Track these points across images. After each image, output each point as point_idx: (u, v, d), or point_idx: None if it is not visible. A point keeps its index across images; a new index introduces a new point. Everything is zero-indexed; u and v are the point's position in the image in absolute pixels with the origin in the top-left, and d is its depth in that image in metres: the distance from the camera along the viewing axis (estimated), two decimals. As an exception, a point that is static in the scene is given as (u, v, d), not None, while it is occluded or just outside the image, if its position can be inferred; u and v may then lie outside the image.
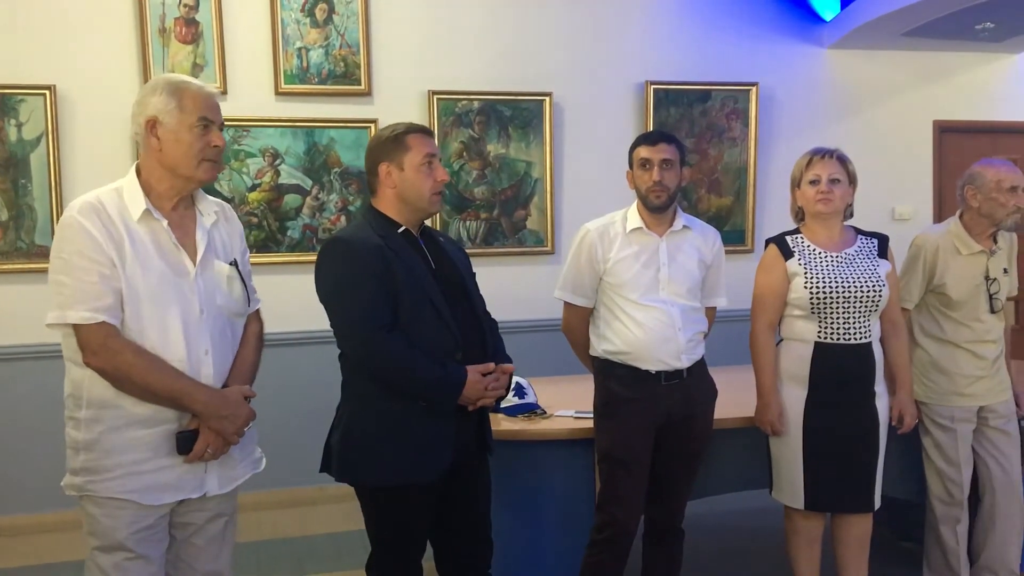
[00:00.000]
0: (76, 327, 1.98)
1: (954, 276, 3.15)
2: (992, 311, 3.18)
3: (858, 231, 3.03)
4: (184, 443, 2.06)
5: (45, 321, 2.02)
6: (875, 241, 3.02)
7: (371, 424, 2.43)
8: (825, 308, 2.87)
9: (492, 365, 2.48)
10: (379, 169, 2.50)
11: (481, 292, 2.68)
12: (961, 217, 3.23)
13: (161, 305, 2.03)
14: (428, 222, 2.65)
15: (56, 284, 2.00)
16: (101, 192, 2.07)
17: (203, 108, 2.09)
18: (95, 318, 1.96)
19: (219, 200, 2.29)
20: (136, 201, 2.06)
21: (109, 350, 1.97)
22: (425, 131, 2.56)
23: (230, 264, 2.20)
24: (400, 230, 2.49)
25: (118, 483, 2.02)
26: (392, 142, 2.50)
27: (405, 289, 2.38)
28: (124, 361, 1.97)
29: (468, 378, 2.41)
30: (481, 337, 2.55)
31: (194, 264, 2.10)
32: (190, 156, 2.08)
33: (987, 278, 3.16)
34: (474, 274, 2.69)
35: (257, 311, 2.33)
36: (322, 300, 2.47)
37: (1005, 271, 3.22)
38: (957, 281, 3.15)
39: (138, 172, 2.11)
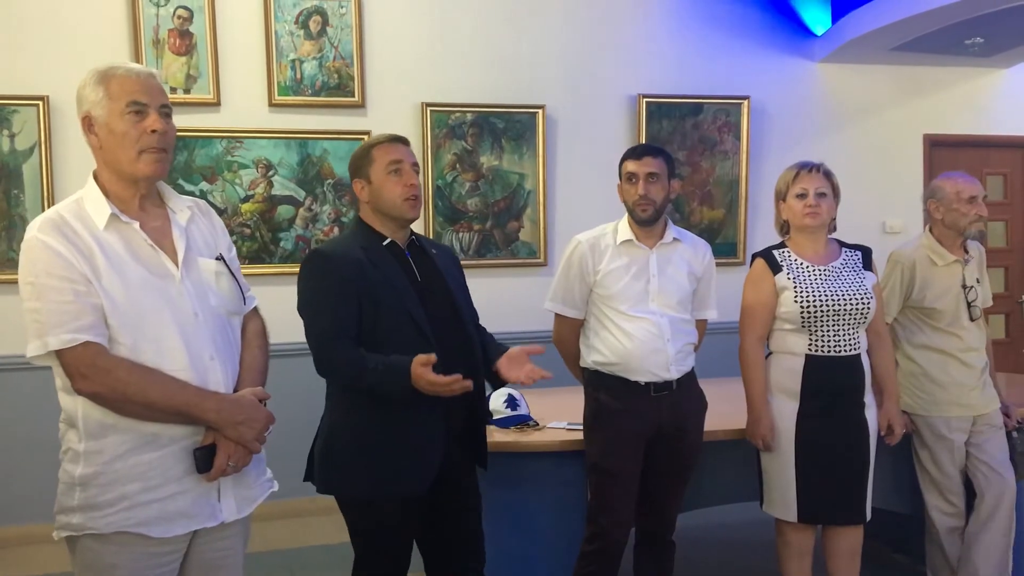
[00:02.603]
0: (59, 353, 1.78)
1: (934, 288, 3.20)
2: (971, 318, 3.22)
3: (841, 244, 3.06)
4: (203, 460, 1.85)
5: (27, 355, 1.82)
6: (859, 254, 3.04)
7: (350, 436, 2.43)
8: (815, 321, 2.89)
9: (434, 357, 2.27)
10: (354, 186, 2.54)
11: (473, 304, 2.67)
12: (931, 231, 3.29)
13: (149, 313, 1.84)
14: (423, 232, 2.63)
15: (31, 312, 1.80)
16: (60, 206, 1.88)
17: (133, 91, 1.86)
18: (77, 339, 1.76)
19: (192, 197, 2.11)
20: (99, 207, 1.86)
21: (99, 370, 1.77)
22: (395, 139, 2.54)
23: (216, 259, 2.01)
24: (385, 242, 2.49)
25: (123, 516, 1.81)
26: (360, 158, 2.53)
27: (384, 304, 2.38)
28: (118, 380, 1.77)
29: (412, 366, 2.26)
30: (469, 353, 2.50)
31: (177, 266, 1.90)
32: (125, 148, 1.86)
33: (964, 286, 3.21)
34: (465, 286, 2.67)
35: (255, 308, 2.14)
36: (299, 312, 2.48)
37: (978, 280, 3.27)
38: (938, 292, 3.20)
39: (96, 178, 1.93)
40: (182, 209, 2.00)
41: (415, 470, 2.38)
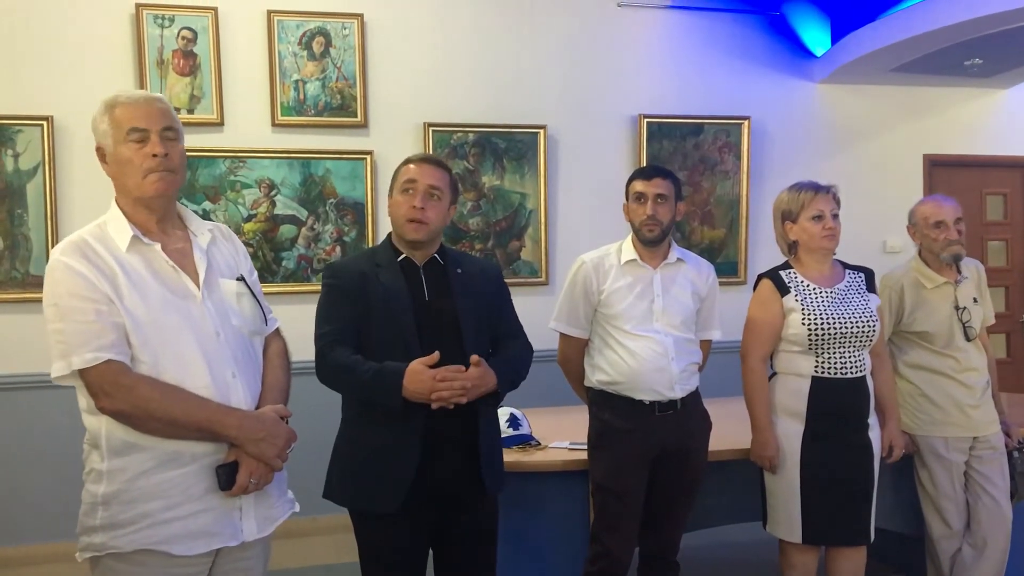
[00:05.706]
0: (83, 372, 1.80)
1: (925, 310, 3.20)
2: (967, 339, 3.21)
3: (845, 265, 3.06)
4: (225, 477, 1.86)
5: (52, 376, 1.84)
6: (862, 275, 3.05)
7: (344, 447, 2.50)
8: (823, 344, 2.89)
9: (437, 355, 2.29)
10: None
11: (516, 324, 2.68)
12: (920, 254, 3.31)
13: (170, 331, 1.87)
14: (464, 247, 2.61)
15: (54, 333, 1.83)
16: (83, 230, 1.93)
17: (133, 119, 1.91)
18: (100, 357, 1.79)
19: (214, 222, 2.16)
20: (122, 230, 1.91)
21: (122, 388, 1.79)
22: (425, 160, 2.52)
23: (237, 280, 2.05)
24: (400, 258, 2.50)
25: (144, 534, 1.82)
26: (393, 175, 2.55)
27: (376, 319, 2.41)
28: (141, 396, 1.79)
29: (408, 367, 2.28)
30: None
31: (198, 286, 1.94)
32: (131, 173, 1.91)
33: (957, 307, 3.20)
34: (491, 306, 2.57)
35: (277, 330, 2.19)
36: None
37: (975, 300, 3.25)
38: (928, 314, 3.20)
39: (118, 204, 1.98)
40: (203, 232, 2.06)
41: (392, 486, 2.36)
